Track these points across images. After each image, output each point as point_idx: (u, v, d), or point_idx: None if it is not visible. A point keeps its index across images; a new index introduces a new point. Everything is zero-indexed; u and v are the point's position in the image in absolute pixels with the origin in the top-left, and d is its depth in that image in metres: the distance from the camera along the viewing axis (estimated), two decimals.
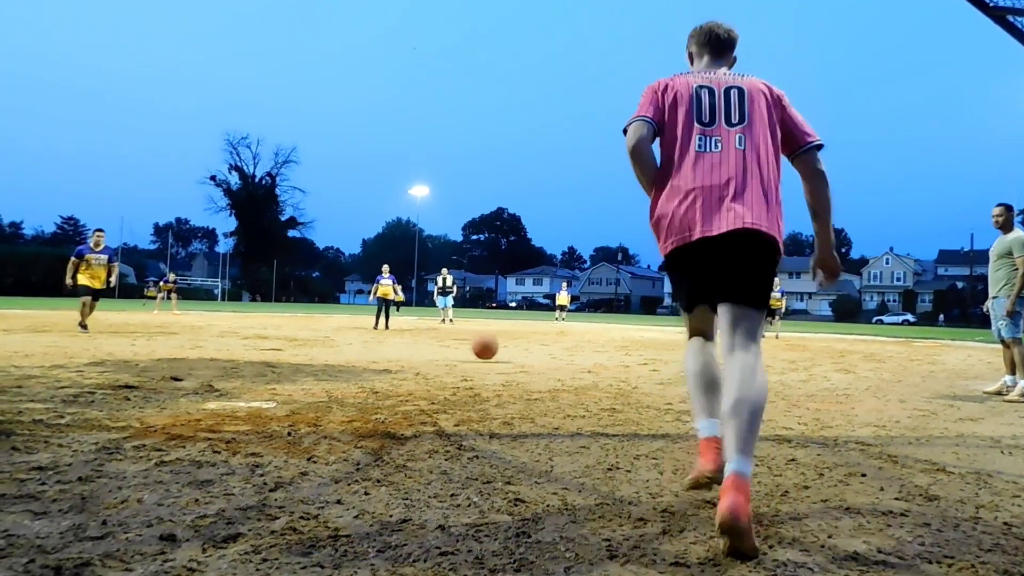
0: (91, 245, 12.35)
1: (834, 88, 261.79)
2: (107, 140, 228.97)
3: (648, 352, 11.19)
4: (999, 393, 6.58)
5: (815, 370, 8.80)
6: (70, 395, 4.62)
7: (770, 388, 6.41)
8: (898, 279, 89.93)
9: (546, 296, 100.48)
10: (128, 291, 54.12)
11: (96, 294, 12.30)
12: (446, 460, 3.14)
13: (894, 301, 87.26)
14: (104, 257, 12.39)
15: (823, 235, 2.60)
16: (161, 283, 27.99)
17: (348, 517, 2.29)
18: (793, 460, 3.39)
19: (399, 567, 1.88)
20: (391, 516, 2.31)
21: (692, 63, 2.88)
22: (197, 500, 2.41)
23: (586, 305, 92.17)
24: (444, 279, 23.62)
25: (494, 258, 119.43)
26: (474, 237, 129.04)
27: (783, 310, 21.67)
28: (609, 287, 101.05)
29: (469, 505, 2.47)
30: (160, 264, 77.27)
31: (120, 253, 69.04)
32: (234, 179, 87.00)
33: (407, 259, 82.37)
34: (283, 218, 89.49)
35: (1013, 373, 6.58)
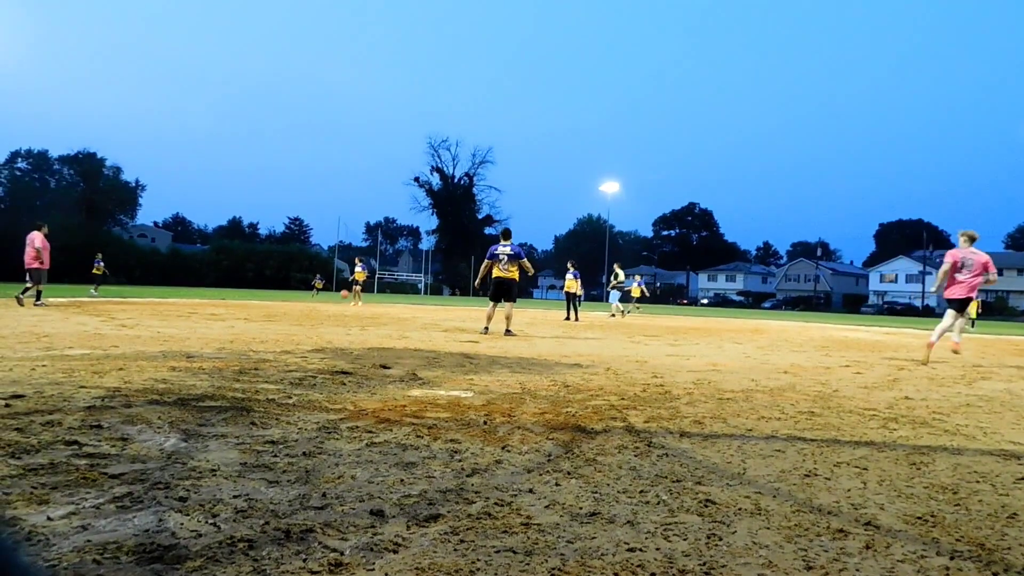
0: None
1: None
2: (327, 148, 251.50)
3: (850, 353, 10.40)
4: None
5: None
6: (296, 378, 5.16)
7: (994, 397, 5.75)
8: None
9: (740, 293, 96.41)
10: (344, 284, 59.14)
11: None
12: (635, 456, 3.14)
13: None
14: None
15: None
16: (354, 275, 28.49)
17: (539, 506, 2.37)
18: (1023, 479, 3.03)
19: (588, 559, 1.92)
20: (581, 508, 2.36)
21: (960, 244, 9.22)
22: (403, 480, 2.61)
23: (782, 302, 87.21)
24: (616, 275, 24.00)
25: (685, 254, 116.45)
26: (664, 233, 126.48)
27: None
28: (808, 284, 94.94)
29: (658, 503, 2.46)
30: (371, 259, 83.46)
31: (337, 250, 75.67)
32: (435, 180, 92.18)
33: (598, 255, 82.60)
34: (480, 216, 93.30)
35: None
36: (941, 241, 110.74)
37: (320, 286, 40.73)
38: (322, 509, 2.25)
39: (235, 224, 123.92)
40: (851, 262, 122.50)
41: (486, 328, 11.67)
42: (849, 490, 2.72)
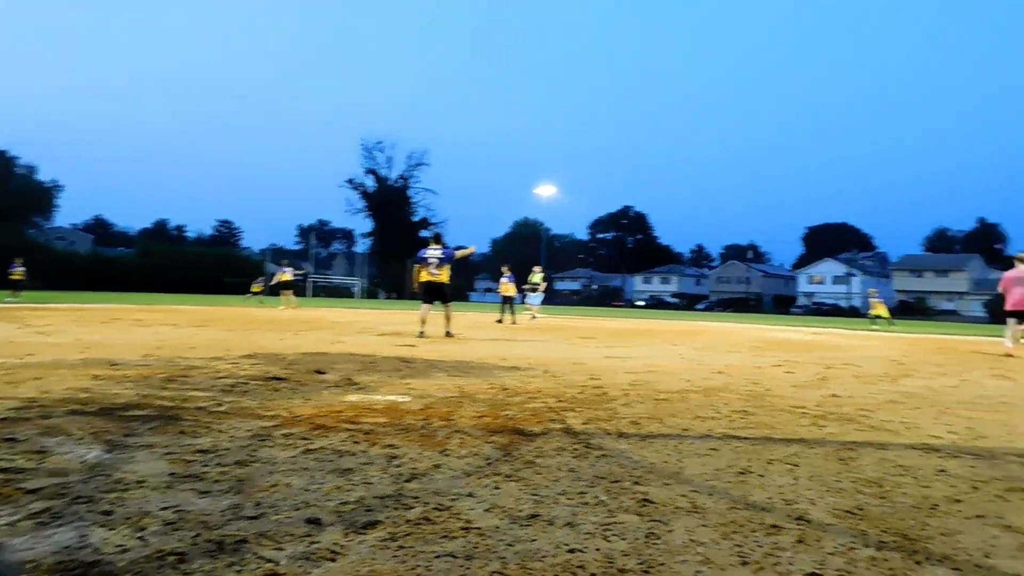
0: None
1: (983, 62, 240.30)
2: (257, 148, 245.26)
3: (781, 353, 10.74)
4: None
5: (968, 375, 8.13)
6: (228, 385, 5.02)
7: (915, 394, 6.02)
8: None
9: (674, 295, 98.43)
10: (275, 289, 57.87)
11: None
12: (574, 458, 3.16)
13: None
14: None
15: None
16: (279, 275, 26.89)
17: (479, 510, 2.36)
18: (943, 471, 3.17)
19: (528, 562, 1.92)
20: (521, 511, 2.36)
21: (1017, 267, 11.87)
22: (339, 487, 2.56)
23: (716, 304, 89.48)
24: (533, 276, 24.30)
25: (621, 256, 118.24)
26: (600, 236, 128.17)
27: None
28: (740, 285, 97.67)
29: (597, 504, 2.48)
30: (302, 263, 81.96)
31: (269, 253, 74.05)
32: (370, 182, 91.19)
33: (535, 258, 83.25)
34: (415, 218, 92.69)
35: None
36: (865, 244, 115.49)
37: (259, 289, 38.79)
38: (256, 519, 2.19)
39: (161, 226, 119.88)
40: (781, 264, 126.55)
41: (422, 332, 11.62)
42: (782, 486, 2.81)
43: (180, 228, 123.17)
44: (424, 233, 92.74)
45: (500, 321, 19.31)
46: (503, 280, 21.42)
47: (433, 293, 11.95)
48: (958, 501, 2.67)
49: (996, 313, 70.32)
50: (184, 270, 62.10)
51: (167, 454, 2.93)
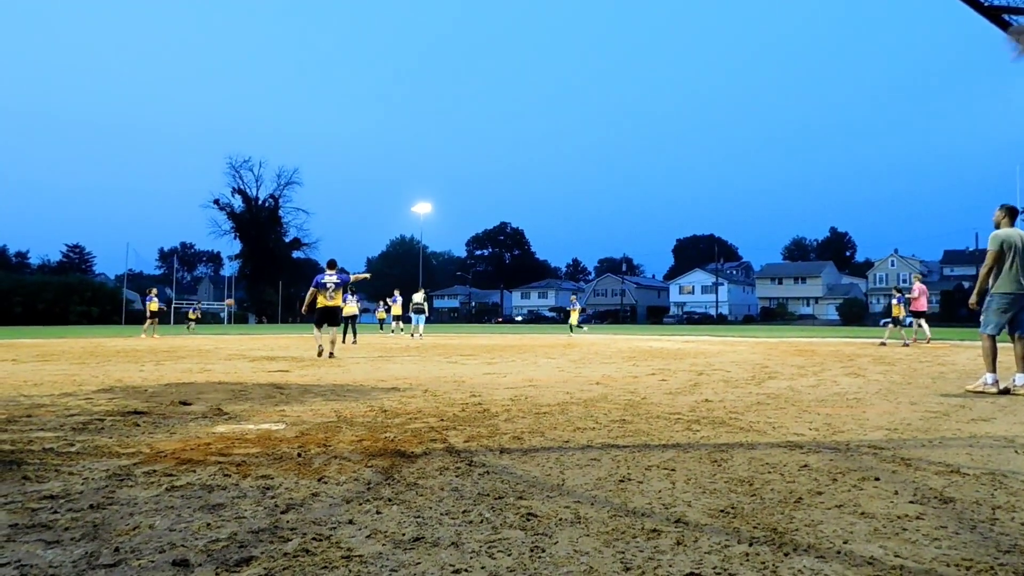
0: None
1: (835, 87, 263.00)
2: (110, 167, 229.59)
3: (656, 362, 11.16)
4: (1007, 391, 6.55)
5: (824, 375, 8.76)
6: (80, 423, 4.63)
7: (779, 395, 6.39)
8: (904, 280, 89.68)
9: (552, 309, 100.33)
10: (134, 317, 54.26)
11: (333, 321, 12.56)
12: (457, 477, 3.13)
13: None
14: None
15: None
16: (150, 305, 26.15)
17: (360, 537, 2.28)
18: (806, 466, 3.37)
19: None
20: (404, 535, 2.30)
21: (915, 283, 18.64)
22: (209, 524, 2.40)
23: (592, 316, 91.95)
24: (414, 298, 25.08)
25: (499, 273, 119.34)
26: (478, 252, 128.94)
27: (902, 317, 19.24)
28: (615, 298, 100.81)
29: (481, 521, 2.46)
30: (166, 289, 77.49)
31: (125, 279, 69.44)
32: (237, 202, 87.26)
33: (412, 276, 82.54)
34: (287, 239, 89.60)
35: (993, 370, 6.68)
36: (730, 254, 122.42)
37: (195, 317, 36.63)
38: (115, 566, 2.01)
39: None
40: (653, 276, 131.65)
41: (320, 352, 12.27)
42: (660, 491, 2.89)
43: (22, 254, 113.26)
44: (297, 254, 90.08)
45: (344, 341, 19.31)
46: (348, 300, 21.62)
47: (327, 317, 12.43)
48: (820, 493, 2.85)
49: (848, 316, 77.49)
50: (26, 300, 56.59)
51: (7, 504, 2.65)
